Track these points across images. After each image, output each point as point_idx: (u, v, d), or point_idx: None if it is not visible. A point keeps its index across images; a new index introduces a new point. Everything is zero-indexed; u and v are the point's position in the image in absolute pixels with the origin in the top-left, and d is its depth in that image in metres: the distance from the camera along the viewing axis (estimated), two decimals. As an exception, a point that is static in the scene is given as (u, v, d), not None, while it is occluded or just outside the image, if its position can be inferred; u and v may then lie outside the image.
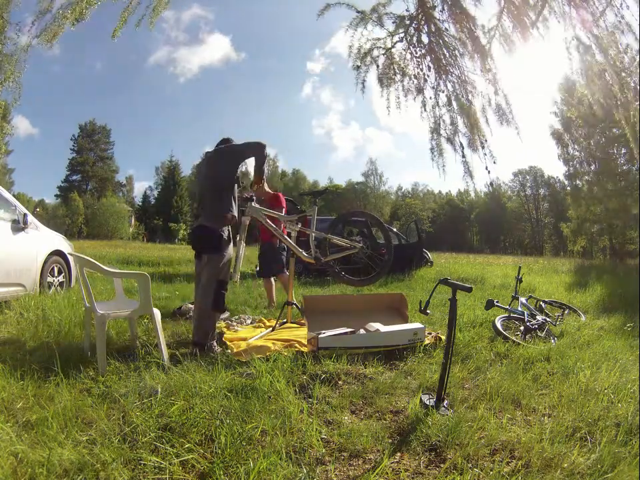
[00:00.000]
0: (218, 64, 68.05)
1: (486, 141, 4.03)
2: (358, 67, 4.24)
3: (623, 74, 3.89)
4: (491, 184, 4.16)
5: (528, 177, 46.58)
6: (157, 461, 1.36)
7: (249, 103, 74.09)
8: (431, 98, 4.20)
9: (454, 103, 4.13)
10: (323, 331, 2.74)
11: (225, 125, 68.23)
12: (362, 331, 2.86)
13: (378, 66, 4.28)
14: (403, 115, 4.33)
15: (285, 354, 2.56)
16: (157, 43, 63.29)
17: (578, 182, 21.11)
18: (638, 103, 3.88)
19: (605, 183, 18.59)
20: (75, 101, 59.58)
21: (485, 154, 4.01)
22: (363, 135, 74.29)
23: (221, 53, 75.11)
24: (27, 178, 56.87)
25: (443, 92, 4.14)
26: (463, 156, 4.11)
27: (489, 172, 3.99)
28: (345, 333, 2.77)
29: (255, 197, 3.27)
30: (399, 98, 4.27)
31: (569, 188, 22.60)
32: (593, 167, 20.15)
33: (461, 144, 4.13)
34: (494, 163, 3.99)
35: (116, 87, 63.94)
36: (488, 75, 3.93)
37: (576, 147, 20.74)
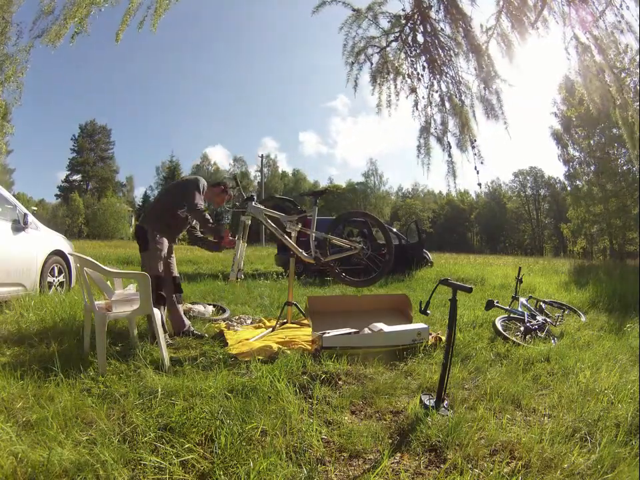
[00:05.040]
0: (218, 64, 68.10)
1: (475, 141, 4.03)
2: (351, 64, 4.23)
3: (623, 74, 3.89)
4: (479, 184, 4.15)
5: (528, 178, 46.61)
6: (157, 461, 1.36)
7: (247, 101, 74.07)
8: (423, 97, 4.20)
9: (447, 103, 4.12)
10: (327, 331, 2.75)
11: (224, 125, 68.34)
12: (366, 331, 2.86)
13: (372, 64, 4.27)
14: (393, 114, 4.25)
15: (289, 352, 2.57)
16: (158, 43, 63.20)
17: (578, 182, 21.12)
18: (638, 103, 3.88)
19: (605, 183, 18.60)
20: (75, 100, 59.61)
21: (475, 154, 4.01)
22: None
23: (222, 54, 74.74)
24: (27, 178, 56.89)
25: (437, 92, 4.14)
26: (450, 156, 4.09)
27: (477, 172, 3.98)
28: (349, 333, 2.78)
29: (255, 197, 3.28)
30: (390, 97, 4.26)
31: (569, 188, 22.59)
32: (592, 168, 20.16)
33: (449, 143, 4.13)
34: (482, 163, 3.99)
35: (116, 86, 63.98)
36: (483, 75, 3.92)
37: (576, 147, 20.74)
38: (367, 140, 70.12)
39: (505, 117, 3.94)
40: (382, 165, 72.53)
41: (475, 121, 4.03)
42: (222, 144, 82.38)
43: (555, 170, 64.44)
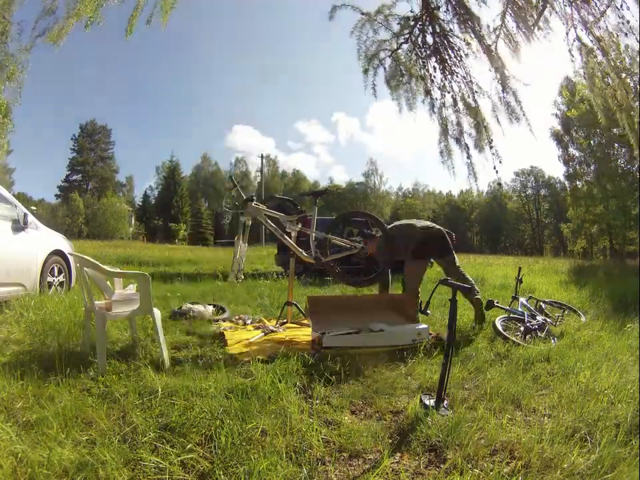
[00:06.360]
0: (218, 64, 68.03)
1: (492, 140, 4.02)
2: (366, 71, 4.25)
3: (623, 75, 3.88)
4: (499, 183, 4.24)
5: (529, 178, 46.55)
6: (157, 461, 1.36)
7: (248, 99, 73.95)
8: (437, 99, 4.20)
9: (460, 104, 4.13)
10: (327, 331, 2.74)
11: (222, 124, 68.23)
12: (366, 331, 2.86)
13: (385, 68, 4.29)
14: (413, 116, 4.33)
15: (289, 352, 2.56)
16: (159, 42, 63.10)
17: (578, 182, 21.10)
18: (638, 103, 3.88)
19: (605, 183, 18.56)
20: (75, 100, 59.56)
21: (493, 154, 4.01)
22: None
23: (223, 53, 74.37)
24: (27, 178, 56.87)
25: (449, 92, 4.13)
26: (468, 157, 4.10)
27: (497, 171, 4.00)
28: (349, 333, 2.78)
29: (254, 197, 3.28)
30: (409, 100, 4.29)
31: (569, 188, 22.55)
32: (592, 168, 20.12)
33: (466, 145, 4.13)
34: (500, 162, 3.99)
35: (117, 86, 63.91)
36: (496, 74, 3.92)
37: (576, 147, 20.71)
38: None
39: (527, 117, 3.96)
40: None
41: (497, 120, 4.04)
42: (252, 125, 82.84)
43: (555, 170, 64.30)
